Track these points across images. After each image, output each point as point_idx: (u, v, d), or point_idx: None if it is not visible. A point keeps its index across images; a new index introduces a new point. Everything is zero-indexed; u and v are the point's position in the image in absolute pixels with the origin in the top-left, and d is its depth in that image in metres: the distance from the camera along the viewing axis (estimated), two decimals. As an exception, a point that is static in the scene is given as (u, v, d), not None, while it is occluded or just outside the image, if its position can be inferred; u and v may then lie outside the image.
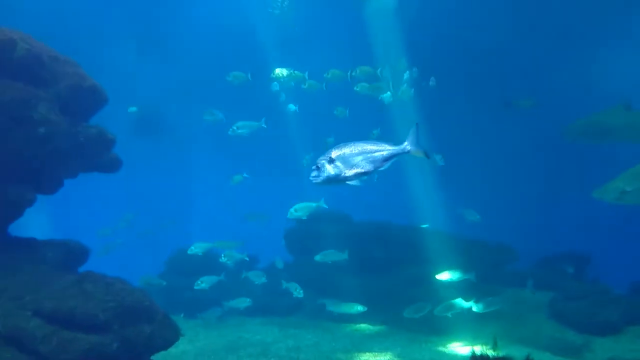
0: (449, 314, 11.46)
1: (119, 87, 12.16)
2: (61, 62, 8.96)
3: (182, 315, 13.70)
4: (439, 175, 19.73)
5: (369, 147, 5.23)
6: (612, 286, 13.23)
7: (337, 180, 5.19)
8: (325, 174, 5.15)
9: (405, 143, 5.24)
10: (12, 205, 8.38)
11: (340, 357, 10.88)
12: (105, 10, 18.32)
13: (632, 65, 17.76)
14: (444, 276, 11.77)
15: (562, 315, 12.49)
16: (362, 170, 5.19)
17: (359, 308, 12.16)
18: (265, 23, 18.33)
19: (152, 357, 8.02)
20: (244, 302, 13.47)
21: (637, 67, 17.65)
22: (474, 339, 11.45)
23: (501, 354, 7.31)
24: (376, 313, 12.87)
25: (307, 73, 14.39)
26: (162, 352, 8.05)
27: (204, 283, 13.22)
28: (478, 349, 7.22)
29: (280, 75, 14.49)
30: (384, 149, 5.24)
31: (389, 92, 14.09)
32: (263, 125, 14.00)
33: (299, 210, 12.30)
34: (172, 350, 8.43)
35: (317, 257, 12.94)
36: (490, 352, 6.78)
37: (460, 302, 11.47)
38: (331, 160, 5.15)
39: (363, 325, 13.43)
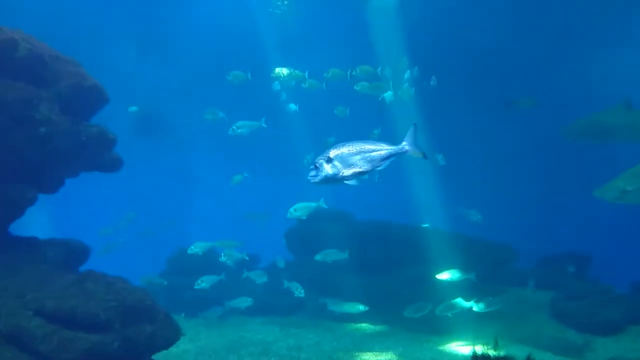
0: (450, 314, 11.45)
1: (119, 87, 12.15)
2: (62, 62, 8.98)
3: (183, 314, 13.70)
4: (439, 174, 19.73)
5: (366, 146, 5.25)
6: (613, 286, 13.22)
7: (335, 179, 5.21)
8: (323, 174, 5.17)
9: (404, 143, 5.28)
10: (13, 205, 8.39)
11: (342, 356, 10.88)
12: (106, 9, 18.33)
13: (632, 65, 17.77)
14: (444, 276, 11.77)
15: (563, 315, 12.48)
16: (360, 170, 5.21)
17: (361, 307, 12.16)
18: (266, 22, 18.33)
19: (153, 357, 8.02)
20: (245, 302, 13.49)
21: (637, 67, 17.66)
22: (475, 339, 11.43)
23: (502, 353, 7.31)
24: (377, 312, 12.87)
25: (307, 72, 14.39)
26: (164, 352, 8.04)
27: (204, 282, 13.23)
28: (479, 349, 7.22)
29: (281, 74, 14.48)
30: (382, 149, 5.26)
31: (390, 92, 14.07)
32: (263, 125, 13.99)
33: (299, 210, 12.29)
34: (173, 349, 8.41)
35: (318, 257, 12.93)
36: (492, 352, 6.78)
37: (461, 302, 11.47)
38: (329, 160, 5.16)
39: (364, 325, 13.43)
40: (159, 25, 19.18)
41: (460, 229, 15.58)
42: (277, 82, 14.99)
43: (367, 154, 5.22)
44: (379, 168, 5.29)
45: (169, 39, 19.62)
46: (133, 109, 19.27)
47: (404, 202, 20.89)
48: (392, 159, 5.32)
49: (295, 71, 14.44)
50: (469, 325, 11.85)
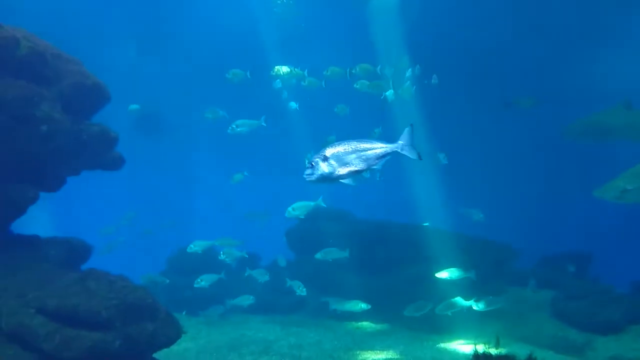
0: (449, 313, 11.46)
1: (119, 86, 12.15)
2: (64, 60, 8.96)
3: (184, 313, 13.72)
4: (440, 173, 19.75)
5: (362, 145, 5.29)
6: (614, 285, 13.24)
7: (331, 178, 5.26)
8: (319, 172, 5.21)
9: (400, 142, 5.33)
10: (15, 203, 8.37)
11: (342, 355, 10.89)
12: (106, 8, 18.32)
13: (632, 64, 17.79)
14: (444, 275, 11.78)
15: (564, 314, 12.51)
16: (356, 169, 5.26)
17: (363, 306, 12.15)
18: (266, 21, 18.32)
19: (154, 355, 8.03)
20: (247, 300, 13.52)
21: (637, 67, 17.67)
22: (476, 338, 11.46)
23: (504, 352, 7.34)
24: (378, 311, 12.86)
25: (306, 70, 14.39)
26: (165, 350, 8.03)
27: (203, 281, 13.24)
28: (481, 348, 7.23)
29: (280, 72, 14.48)
30: (377, 147, 5.31)
31: (391, 90, 14.07)
32: (262, 124, 13.98)
33: (297, 209, 12.27)
34: (175, 347, 8.41)
35: (318, 255, 12.93)
36: (493, 350, 6.79)
37: (460, 301, 11.48)
38: (325, 158, 5.21)
39: (365, 324, 13.45)
40: (160, 23, 19.18)
41: (461, 229, 15.59)
42: (278, 80, 14.99)
43: (362, 153, 5.27)
44: (374, 167, 5.33)
45: (169, 38, 19.62)
46: (133, 107, 19.25)
47: (405, 201, 20.91)
48: (388, 157, 5.37)
49: (295, 69, 14.44)
50: (469, 324, 11.87)
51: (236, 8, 18.20)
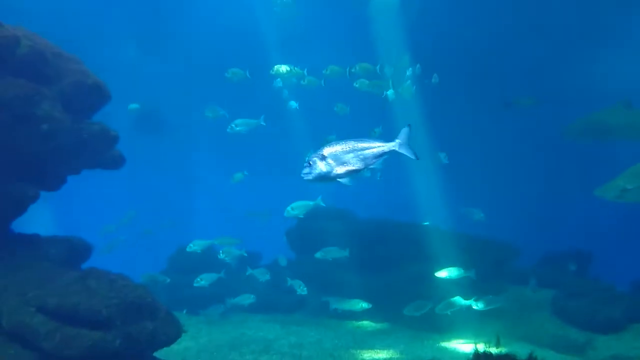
0: (449, 312, 11.46)
1: (120, 85, 12.15)
2: (64, 59, 8.94)
3: (184, 311, 13.73)
4: (440, 172, 19.73)
5: (360, 144, 5.33)
6: (614, 284, 13.23)
7: (328, 177, 5.29)
8: (317, 171, 5.24)
9: (397, 141, 5.36)
10: (15, 202, 8.35)
11: (343, 354, 10.89)
12: (106, 7, 18.32)
13: (632, 64, 17.79)
14: (444, 274, 11.78)
15: (565, 313, 12.50)
16: (353, 168, 5.29)
17: (364, 305, 12.15)
18: (267, 20, 18.32)
19: (154, 354, 8.03)
20: (247, 299, 13.53)
21: (637, 67, 17.67)
22: (476, 337, 11.47)
23: (504, 351, 7.34)
24: (378, 310, 12.85)
25: (306, 69, 14.38)
26: (165, 349, 8.03)
27: (203, 280, 13.24)
28: (481, 347, 7.23)
29: (280, 71, 14.48)
30: (375, 147, 5.34)
31: (391, 89, 14.07)
32: (262, 123, 13.97)
33: (296, 208, 12.27)
34: (175, 346, 8.42)
35: (318, 254, 12.93)
36: (494, 350, 6.79)
37: (460, 300, 11.48)
38: (323, 158, 5.24)
39: (365, 323, 13.46)
40: (160, 23, 19.19)
41: (461, 228, 15.60)
42: (278, 79, 14.98)
43: (359, 152, 5.30)
44: (371, 166, 5.37)
45: (169, 37, 19.62)
46: (133, 106, 19.24)
47: (405, 200, 20.90)
48: (385, 157, 5.40)
49: (295, 68, 14.43)
50: (470, 323, 11.88)
51: (236, 7, 18.20)
